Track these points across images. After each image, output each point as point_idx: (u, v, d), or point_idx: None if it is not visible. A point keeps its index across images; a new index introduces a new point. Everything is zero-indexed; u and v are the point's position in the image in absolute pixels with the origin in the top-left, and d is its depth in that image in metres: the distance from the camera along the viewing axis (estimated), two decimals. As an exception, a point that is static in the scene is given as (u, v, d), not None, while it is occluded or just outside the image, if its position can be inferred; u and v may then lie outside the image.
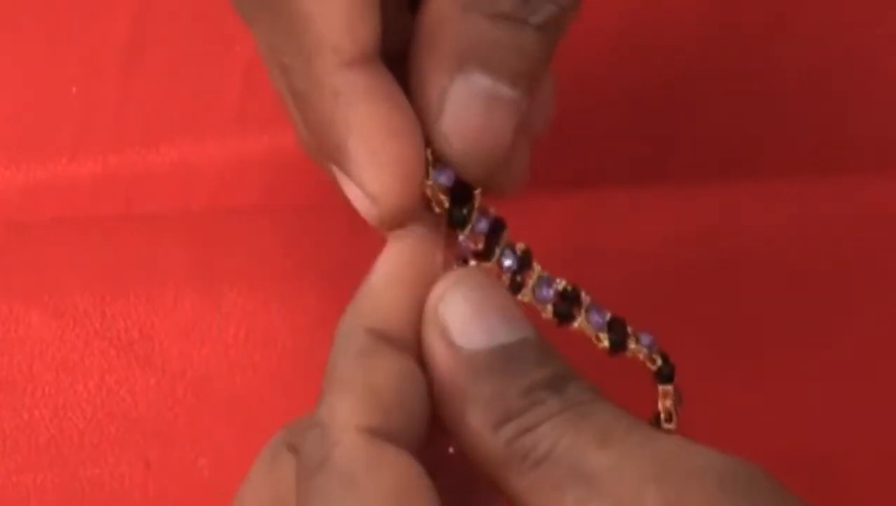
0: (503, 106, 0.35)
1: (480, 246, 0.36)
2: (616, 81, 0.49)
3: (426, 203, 0.36)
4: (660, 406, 0.40)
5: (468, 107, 0.35)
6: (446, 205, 0.36)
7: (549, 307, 0.36)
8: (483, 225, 0.36)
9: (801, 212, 0.47)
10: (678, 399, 0.39)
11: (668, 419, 0.40)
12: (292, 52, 0.35)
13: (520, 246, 0.37)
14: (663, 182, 0.48)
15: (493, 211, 0.36)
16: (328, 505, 0.32)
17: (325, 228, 0.46)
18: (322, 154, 0.36)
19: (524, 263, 0.36)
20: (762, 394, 0.45)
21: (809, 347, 0.46)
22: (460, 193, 0.36)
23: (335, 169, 0.36)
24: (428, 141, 0.35)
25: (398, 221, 0.35)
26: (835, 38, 0.49)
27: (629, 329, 0.37)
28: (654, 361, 0.37)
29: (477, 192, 0.36)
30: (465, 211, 0.36)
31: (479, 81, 0.35)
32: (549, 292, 0.36)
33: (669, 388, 0.39)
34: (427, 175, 0.35)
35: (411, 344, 0.34)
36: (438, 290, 0.34)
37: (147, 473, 0.45)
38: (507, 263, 0.36)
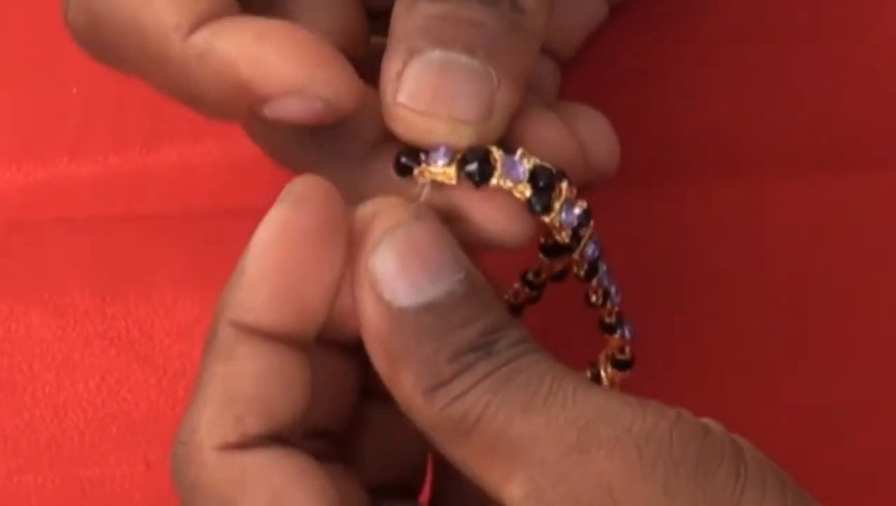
0: (458, 70, 0.35)
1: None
2: (615, 81, 0.49)
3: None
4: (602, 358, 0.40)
5: (421, 76, 0.35)
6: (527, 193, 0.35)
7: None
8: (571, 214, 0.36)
9: (800, 212, 0.47)
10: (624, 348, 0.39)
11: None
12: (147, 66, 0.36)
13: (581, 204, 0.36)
14: (663, 182, 0.48)
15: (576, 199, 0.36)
16: None
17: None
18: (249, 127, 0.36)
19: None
20: (761, 394, 0.45)
21: (809, 346, 0.46)
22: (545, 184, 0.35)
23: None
24: (503, 144, 0.35)
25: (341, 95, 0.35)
26: (834, 38, 0.49)
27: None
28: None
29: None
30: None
31: (432, 55, 0.35)
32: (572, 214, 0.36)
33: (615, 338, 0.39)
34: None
35: (287, 328, 0.33)
36: (371, 240, 0.33)
37: (148, 473, 0.45)
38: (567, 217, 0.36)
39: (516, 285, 0.42)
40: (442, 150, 0.35)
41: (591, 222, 0.36)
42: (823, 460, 0.44)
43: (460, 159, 0.35)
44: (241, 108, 0.35)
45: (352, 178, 0.36)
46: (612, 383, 0.41)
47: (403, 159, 0.36)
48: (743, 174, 0.47)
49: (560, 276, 0.40)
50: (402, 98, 0.35)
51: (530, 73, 0.37)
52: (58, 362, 0.46)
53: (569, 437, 0.32)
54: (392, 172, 0.36)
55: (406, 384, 0.33)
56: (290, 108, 0.35)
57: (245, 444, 0.32)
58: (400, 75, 0.35)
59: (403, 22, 0.36)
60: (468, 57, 0.35)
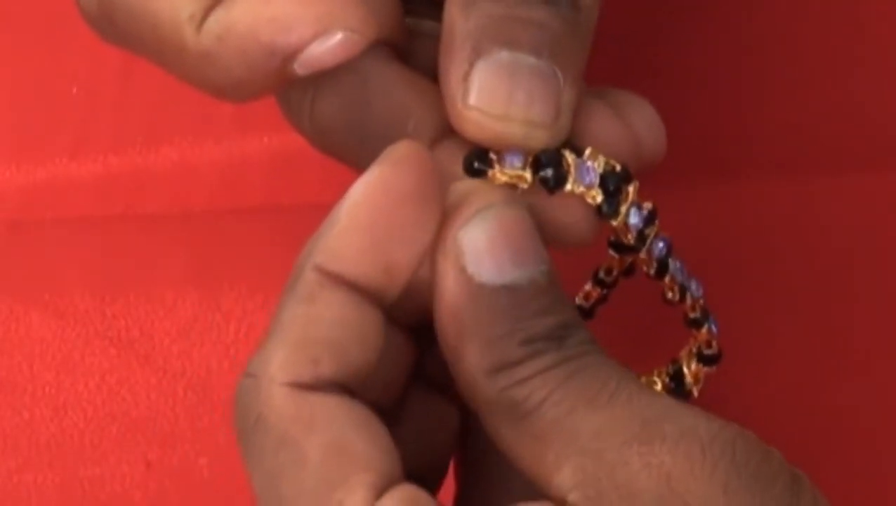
0: (529, 73, 0.35)
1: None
2: (608, 82, 0.49)
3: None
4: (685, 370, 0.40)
5: (492, 78, 0.35)
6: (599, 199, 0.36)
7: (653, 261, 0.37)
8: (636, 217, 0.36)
9: (800, 211, 0.47)
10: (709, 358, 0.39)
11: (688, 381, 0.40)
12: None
13: (646, 205, 0.37)
14: (662, 182, 0.48)
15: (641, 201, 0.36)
16: (266, 466, 0.32)
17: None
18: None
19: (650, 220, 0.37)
20: (761, 395, 0.45)
21: (808, 347, 0.46)
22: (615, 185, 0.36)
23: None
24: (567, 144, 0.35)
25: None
26: (834, 38, 0.49)
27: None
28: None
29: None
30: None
31: (499, 56, 0.35)
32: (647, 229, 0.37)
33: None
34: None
35: (371, 282, 0.33)
36: (464, 214, 0.34)
37: (147, 472, 0.45)
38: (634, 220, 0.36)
39: (587, 287, 0.42)
40: (516, 152, 0.35)
41: (657, 222, 0.37)
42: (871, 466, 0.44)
43: (533, 162, 0.35)
44: (270, 77, 0.35)
45: None
46: (695, 379, 0.41)
47: (476, 163, 0.35)
48: (741, 175, 0.48)
49: (629, 271, 0.40)
50: (473, 101, 0.35)
51: (585, 67, 0.37)
52: (58, 362, 0.46)
53: (631, 429, 0.32)
54: (454, 171, 0.36)
55: (472, 359, 0.33)
56: (318, 54, 0.35)
57: (316, 386, 0.32)
58: (468, 76, 0.35)
59: (463, 22, 0.36)
60: (536, 58, 0.35)
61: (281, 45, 0.35)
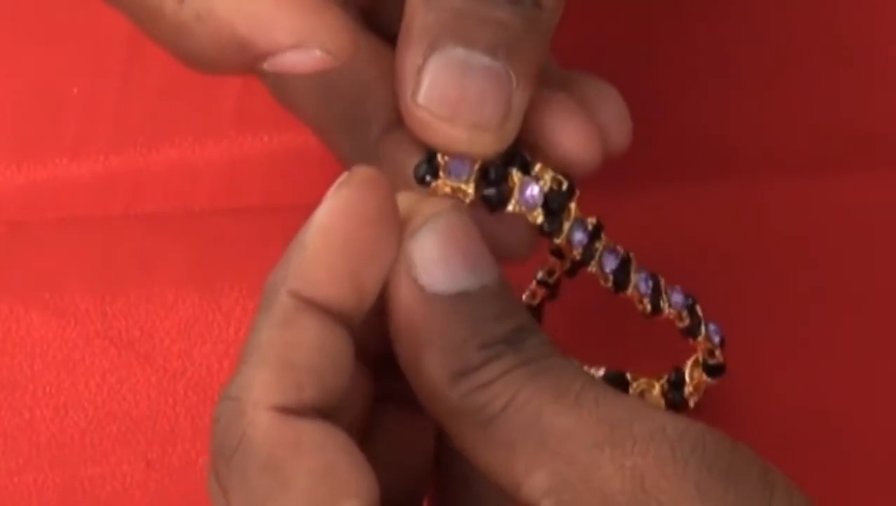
0: (481, 73, 0.35)
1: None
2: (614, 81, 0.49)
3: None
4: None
5: (444, 76, 0.35)
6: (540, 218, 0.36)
7: (609, 277, 0.37)
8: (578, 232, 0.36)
9: (800, 211, 0.47)
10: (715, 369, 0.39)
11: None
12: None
13: (590, 220, 0.36)
14: (662, 182, 0.48)
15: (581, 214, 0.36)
16: (249, 489, 0.31)
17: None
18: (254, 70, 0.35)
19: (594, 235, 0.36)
20: (760, 395, 0.45)
21: (808, 347, 0.46)
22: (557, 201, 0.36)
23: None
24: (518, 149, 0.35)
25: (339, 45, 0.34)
26: (834, 37, 0.49)
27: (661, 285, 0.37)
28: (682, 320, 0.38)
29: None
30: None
31: (453, 53, 0.35)
32: (612, 260, 0.36)
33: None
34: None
35: (342, 304, 0.33)
36: (411, 226, 0.33)
37: (148, 472, 0.45)
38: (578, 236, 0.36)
39: (532, 286, 0.42)
40: (462, 162, 0.35)
41: (603, 236, 0.37)
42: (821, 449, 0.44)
43: (479, 177, 0.35)
44: (237, 66, 0.35)
45: (366, 161, 0.36)
46: (696, 388, 0.40)
47: (423, 172, 0.35)
48: (744, 174, 0.48)
49: (573, 271, 0.40)
50: (422, 99, 0.35)
51: (542, 68, 0.36)
52: (58, 362, 0.46)
53: (601, 432, 0.32)
54: (404, 161, 0.36)
55: (431, 369, 0.33)
56: (290, 62, 0.35)
57: (300, 411, 0.32)
58: (420, 71, 0.35)
59: (423, 13, 0.35)
60: (491, 58, 0.35)
61: (254, 44, 0.34)
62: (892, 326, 0.46)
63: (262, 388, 0.32)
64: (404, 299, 0.33)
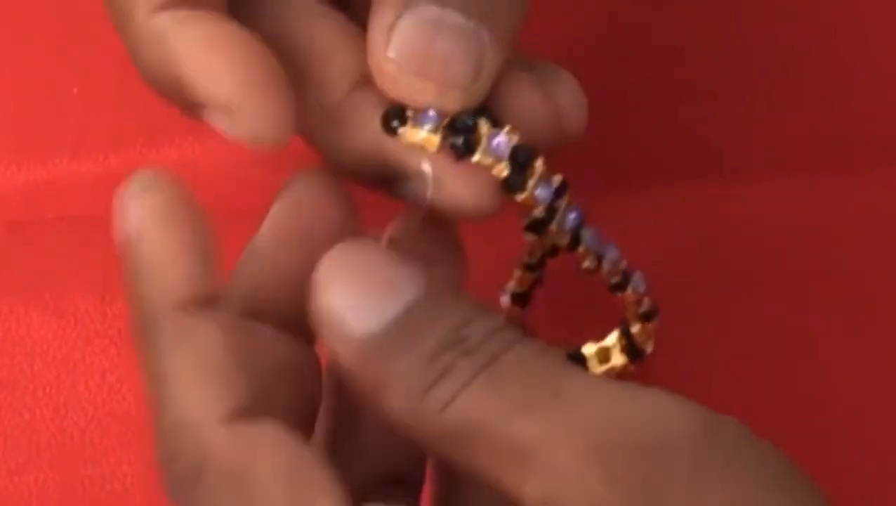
0: (452, 31, 0.35)
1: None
2: (608, 83, 0.49)
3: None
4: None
5: (415, 32, 0.35)
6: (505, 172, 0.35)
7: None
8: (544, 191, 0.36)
9: (798, 211, 0.47)
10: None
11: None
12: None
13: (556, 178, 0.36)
14: (661, 182, 0.48)
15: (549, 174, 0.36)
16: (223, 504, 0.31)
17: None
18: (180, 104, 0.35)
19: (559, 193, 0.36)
20: (760, 396, 0.45)
21: (807, 346, 0.46)
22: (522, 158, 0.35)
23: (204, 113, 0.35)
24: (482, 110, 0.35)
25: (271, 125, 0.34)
26: (833, 37, 0.49)
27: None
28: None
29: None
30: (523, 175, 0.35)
31: (426, 10, 0.35)
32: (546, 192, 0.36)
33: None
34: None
35: (281, 310, 0.33)
36: (319, 282, 0.33)
37: (148, 472, 0.45)
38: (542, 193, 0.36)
39: (518, 273, 0.41)
40: (430, 113, 0.35)
41: (567, 194, 0.36)
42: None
43: (446, 126, 0.35)
44: (178, 101, 0.35)
45: (329, 123, 0.36)
46: (646, 336, 0.40)
47: (393, 121, 0.35)
48: (744, 174, 0.48)
49: (554, 252, 0.39)
50: (392, 54, 0.35)
51: (518, 35, 0.36)
52: (58, 362, 0.46)
53: (582, 439, 0.31)
54: (371, 119, 0.35)
55: (395, 407, 0.32)
56: (220, 123, 0.35)
57: (243, 413, 0.31)
58: (392, 28, 0.35)
59: None
60: (464, 17, 0.35)
61: (189, 90, 0.34)
62: (892, 326, 0.46)
63: (198, 404, 0.31)
64: (339, 354, 0.33)
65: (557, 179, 0.36)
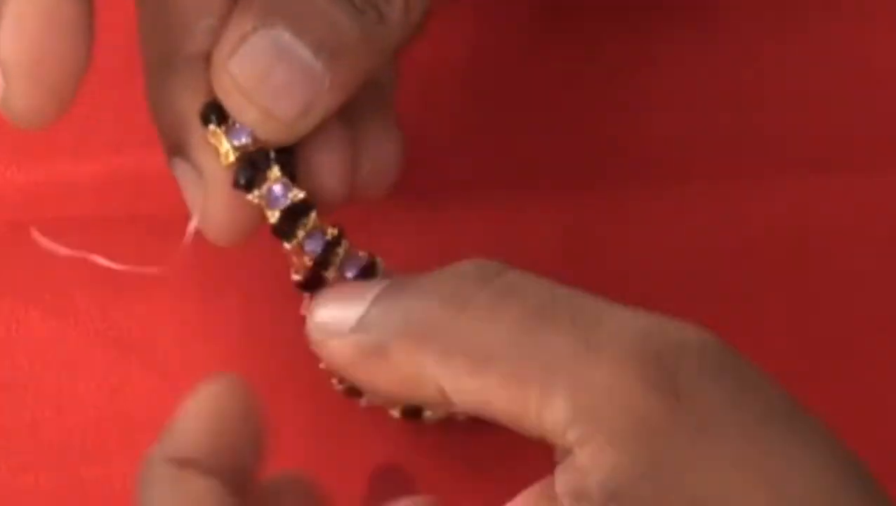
0: (294, 65, 0.35)
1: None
2: (608, 83, 0.49)
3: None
4: None
5: (259, 52, 0.35)
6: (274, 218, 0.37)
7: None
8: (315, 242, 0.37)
9: (798, 212, 0.47)
10: None
11: None
12: None
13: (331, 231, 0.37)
14: (663, 183, 0.48)
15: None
16: None
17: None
18: None
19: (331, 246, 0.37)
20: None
21: (807, 347, 0.46)
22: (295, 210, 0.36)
23: None
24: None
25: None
26: (834, 37, 0.49)
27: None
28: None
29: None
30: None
31: (280, 35, 0.35)
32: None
33: None
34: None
35: (214, 467, 0.34)
36: (311, 331, 0.35)
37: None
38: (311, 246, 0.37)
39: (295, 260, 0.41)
40: (247, 129, 0.36)
41: (344, 243, 0.37)
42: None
43: (245, 154, 0.36)
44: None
45: (164, 72, 0.37)
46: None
47: (208, 114, 0.36)
48: (744, 174, 0.48)
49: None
50: (232, 65, 0.35)
51: (362, 82, 0.36)
52: (58, 362, 0.46)
53: (613, 349, 0.30)
54: (196, 94, 0.37)
55: (438, 373, 0.32)
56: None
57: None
58: (244, 40, 0.35)
59: None
60: (313, 53, 0.35)
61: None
62: (892, 327, 0.46)
63: None
64: (339, 356, 0.35)
65: (333, 232, 0.37)
